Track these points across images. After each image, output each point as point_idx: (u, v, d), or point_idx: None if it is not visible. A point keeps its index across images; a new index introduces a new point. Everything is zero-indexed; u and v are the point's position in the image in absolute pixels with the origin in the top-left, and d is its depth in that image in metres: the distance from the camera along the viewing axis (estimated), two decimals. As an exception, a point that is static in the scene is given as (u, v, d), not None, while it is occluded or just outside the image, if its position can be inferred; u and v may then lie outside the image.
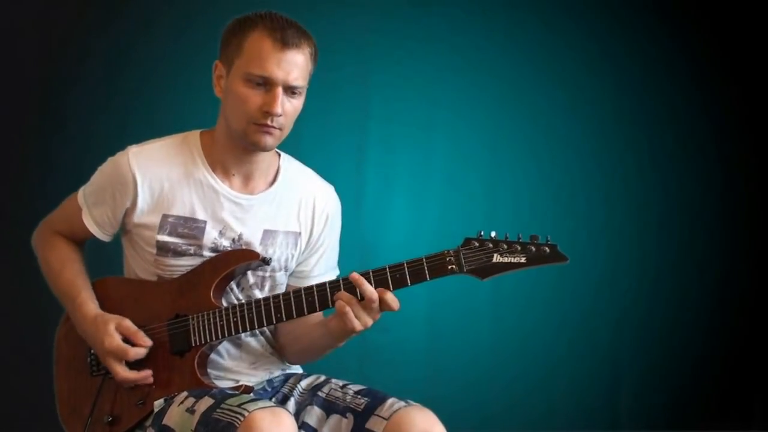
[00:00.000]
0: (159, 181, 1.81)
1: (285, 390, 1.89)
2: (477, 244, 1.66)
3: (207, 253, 1.82)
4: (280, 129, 1.76)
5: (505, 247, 1.66)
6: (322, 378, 1.89)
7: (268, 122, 1.73)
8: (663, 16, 3.26)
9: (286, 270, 1.90)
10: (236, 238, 1.83)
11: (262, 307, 1.77)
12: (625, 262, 3.24)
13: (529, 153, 3.21)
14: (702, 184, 3.26)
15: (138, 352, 1.80)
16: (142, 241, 1.83)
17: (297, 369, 2.00)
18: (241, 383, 1.82)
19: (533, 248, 1.65)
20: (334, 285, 1.72)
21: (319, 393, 1.83)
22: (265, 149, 1.79)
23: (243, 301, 1.81)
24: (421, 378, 3.05)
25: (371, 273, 1.69)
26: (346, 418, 1.75)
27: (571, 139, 3.23)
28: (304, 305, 1.74)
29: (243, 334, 1.85)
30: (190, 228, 1.82)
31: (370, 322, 1.70)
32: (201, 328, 1.79)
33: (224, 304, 1.83)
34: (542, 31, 3.22)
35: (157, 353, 1.82)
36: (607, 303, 3.21)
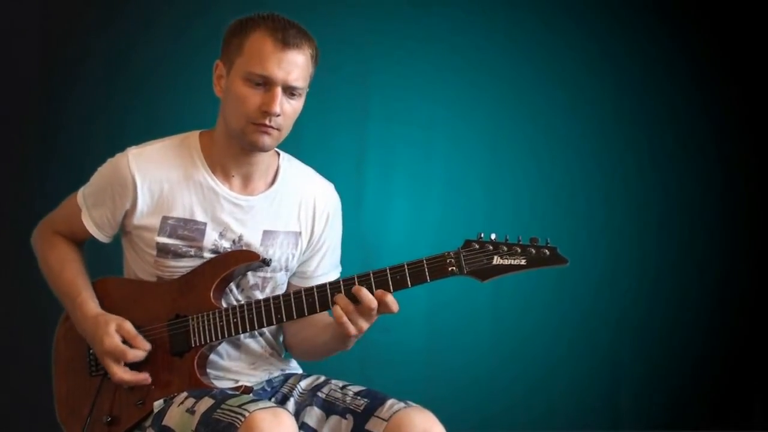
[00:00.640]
0: (159, 183, 1.81)
1: (284, 390, 1.89)
2: (477, 245, 1.66)
3: (207, 255, 1.82)
4: (279, 129, 1.76)
5: (506, 249, 1.65)
6: (322, 378, 1.89)
7: (266, 122, 1.73)
8: (663, 16, 3.26)
9: (286, 270, 1.90)
10: (236, 239, 1.83)
11: (262, 307, 1.77)
12: (625, 262, 3.24)
13: (529, 153, 3.21)
14: (702, 184, 3.26)
15: (137, 355, 1.80)
16: (142, 242, 1.83)
17: (297, 369, 2.00)
18: (240, 383, 1.82)
19: (533, 250, 1.65)
20: (334, 286, 1.72)
21: (319, 393, 1.83)
22: (263, 149, 1.79)
23: (243, 302, 1.81)
24: (421, 379, 3.05)
25: (371, 274, 1.69)
26: (345, 419, 1.75)
27: (571, 139, 3.23)
28: (305, 306, 1.74)
29: (242, 335, 1.85)
30: (190, 230, 1.81)
31: (365, 326, 1.70)
32: (201, 328, 1.79)
33: (224, 305, 1.83)
34: (542, 31, 3.22)
35: (156, 353, 1.81)
36: (607, 303, 3.22)
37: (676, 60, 3.26)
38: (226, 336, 1.78)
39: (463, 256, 1.66)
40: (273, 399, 1.86)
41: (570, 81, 3.22)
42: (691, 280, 3.25)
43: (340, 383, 1.84)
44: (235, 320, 1.78)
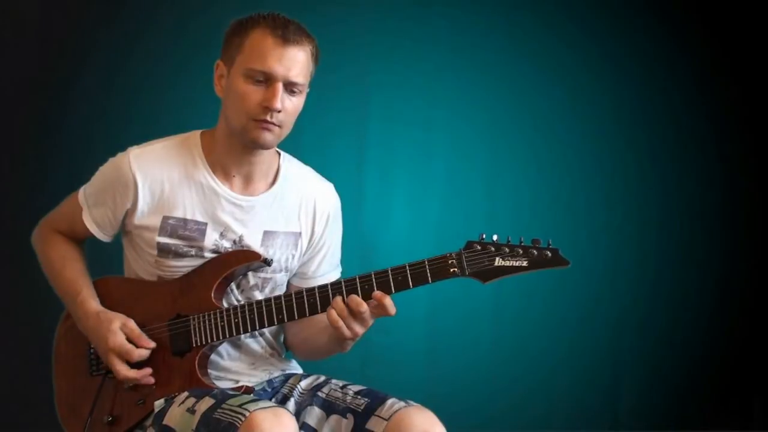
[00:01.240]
0: (159, 182, 1.81)
1: (285, 390, 1.89)
2: (479, 247, 1.66)
3: (208, 255, 1.82)
4: (280, 126, 1.76)
5: (507, 250, 1.65)
6: (322, 378, 1.89)
7: (268, 118, 1.73)
8: (663, 16, 3.26)
9: (286, 271, 1.90)
10: (237, 239, 1.83)
11: (264, 308, 1.77)
12: (625, 262, 3.24)
13: (529, 153, 3.22)
14: (702, 184, 3.27)
15: (141, 354, 1.80)
16: (143, 242, 1.83)
17: (297, 369, 2.00)
18: (241, 383, 1.83)
19: (535, 252, 1.65)
20: (335, 286, 1.72)
21: (319, 393, 1.83)
22: (264, 146, 1.78)
23: (244, 302, 1.81)
24: (422, 378, 3.05)
25: (373, 275, 1.69)
26: (346, 418, 1.75)
27: (571, 139, 3.23)
28: (306, 306, 1.74)
29: (243, 335, 1.85)
30: (190, 230, 1.81)
31: (359, 330, 1.70)
32: (202, 328, 1.79)
33: (225, 305, 1.83)
34: (542, 31, 3.22)
35: (157, 353, 1.81)
36: (607, 303, 3.22)
37: (676, 60, 3.27)
38: (227, 336, 1.78)
39: (465, 257, 1.66)
40: (273, 399, 1.86)
41: (570, 81, 3.22)
42: (691, 280, 3.25)
43: (341, 383, 1.84)
44: (236, 320, 1.78)
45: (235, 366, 1.88)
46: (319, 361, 1.93)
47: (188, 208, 1.81)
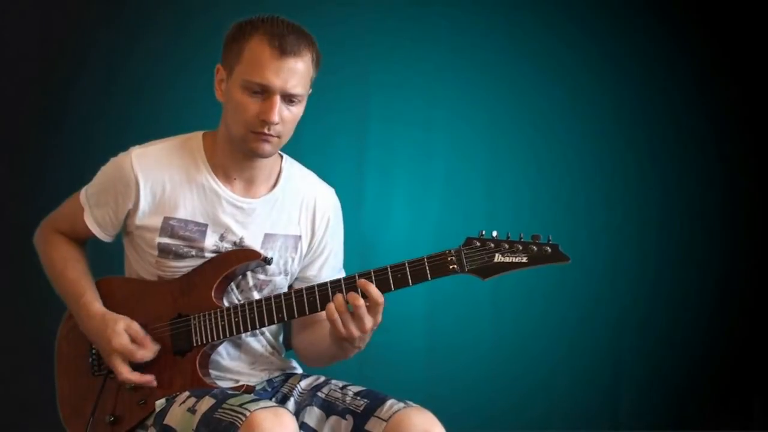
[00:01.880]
0: (161, 183, 1.81)
1: (285, 390, 1.90)
2: (479, 243, 1.66)
3: (208, 256, 1.82)
4: (278, 137, 1.75)
5: (507, 246, 1.66)
6: (322, 378, 1.89)
7: (265, 130, 1.73)
8: (663, 16, 3.26)
9: (286, 274, 1.90)
10: (237, 241, 1.83)
11: (264, 307, 1.77)
12: (625, 262, 3.23)
13: (529, 153, 3.21)
14: (702, 184, 3.26)
15: (145, 355, 1.80)
16: (144, 243, 1.83)
17: (297, 369, 2.00)
18: (241, 383, 1.83)
19: (535, 248, 1.65)
20: (335, 284, 1.72)
21: (319, 393, 1.83)
22: (263, 156, 1.78)
23: (244, 301, 1.81)
24: (421, 379, 3.05)
25: (372, 273, 1.70)
26: (345, 419, 1.75)
27: (571, 139, 3.22)
28: (306, 305, 1.75)
29: (243, 335, 1.85)
30: (191, 231, 1.81)
31: (354, 331, 1.69)
32: (203, 328, 1.79)
33: (226, 304, 1.83)
34: (542, 31, 3.22)
35: (159, 353, 1.82)
36: (607, 303, 3.22)
37: (676, 60, 3.26)
38: (228, 335, 1.79)
39: (465, 253, 1.66)
40: (273, 399, 1.87)
41: (570, 81, 3.22)
42: (691, 280, 3.25)
43: (340, 383, 1.85)
44: (236, 319, 1.78)
45: (235, 366, 1.88)
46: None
47: (189, 209, 1.81)
